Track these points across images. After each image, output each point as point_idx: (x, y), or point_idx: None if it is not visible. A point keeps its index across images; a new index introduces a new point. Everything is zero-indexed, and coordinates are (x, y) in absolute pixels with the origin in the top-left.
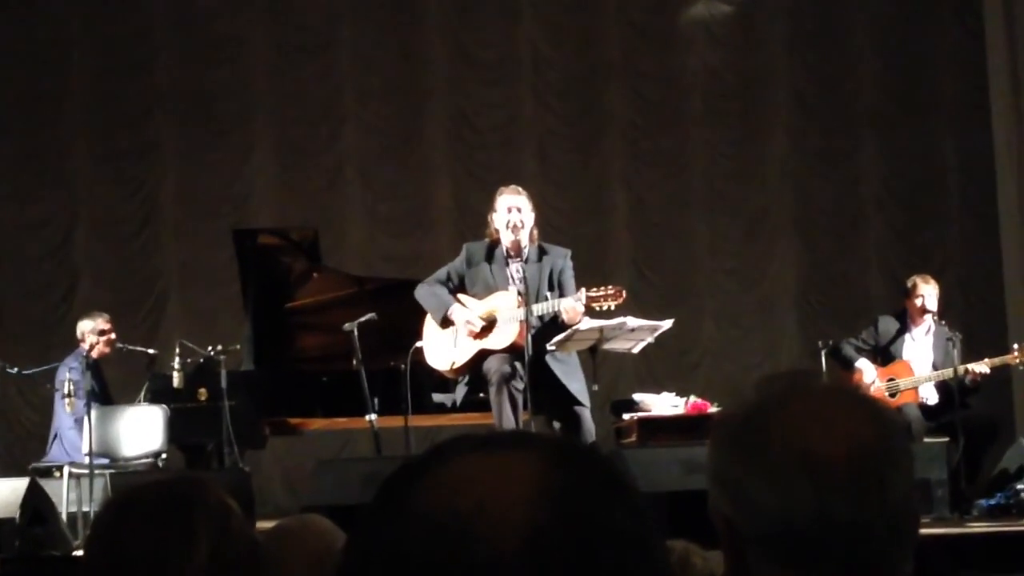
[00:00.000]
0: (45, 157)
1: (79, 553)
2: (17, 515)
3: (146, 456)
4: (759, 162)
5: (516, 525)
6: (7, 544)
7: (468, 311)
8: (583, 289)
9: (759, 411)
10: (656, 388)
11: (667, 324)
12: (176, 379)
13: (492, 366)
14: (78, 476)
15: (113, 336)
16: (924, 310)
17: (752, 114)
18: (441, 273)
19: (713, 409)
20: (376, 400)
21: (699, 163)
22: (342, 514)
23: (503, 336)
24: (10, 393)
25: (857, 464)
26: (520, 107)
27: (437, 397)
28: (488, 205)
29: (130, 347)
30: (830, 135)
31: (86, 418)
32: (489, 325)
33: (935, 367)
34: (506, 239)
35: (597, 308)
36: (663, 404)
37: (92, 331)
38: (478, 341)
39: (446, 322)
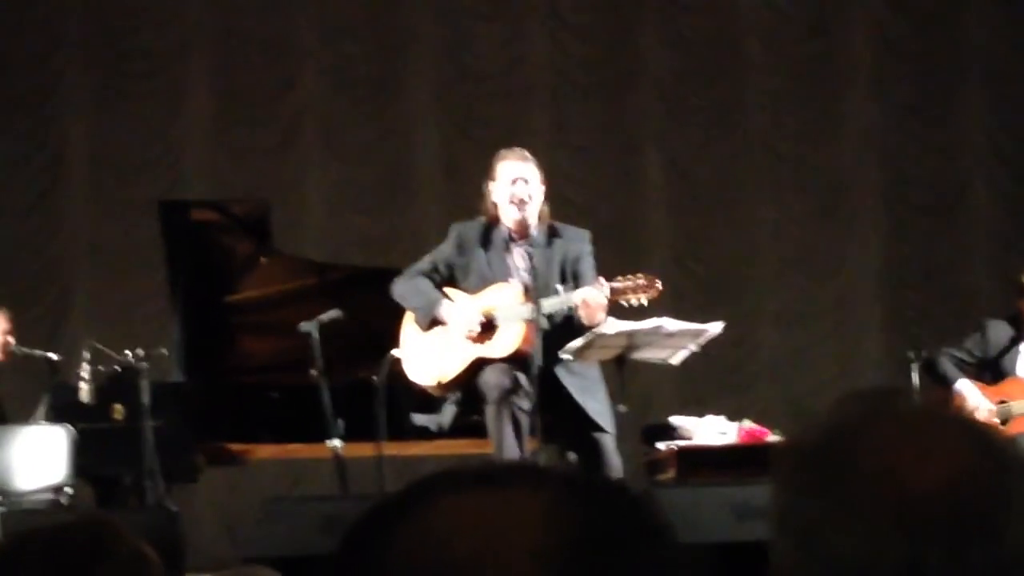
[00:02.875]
0: None
1: None
2: None
3: (45, 490)
4: (834, 122)
5: None
6: None
7: (463, 308)
8: (601, 279)
9: (836, 439)
10: (700, 410)
11: (715, 328)
12: (84, 392)
13: (490, 380)
14: None
15: (11, 340)
16: None
17: (826, 60)
18: (424, 262)
19: (773, 438)
20: (341, 422)
21: (757, 122)
22: (295, 568)
23: (504, 341)
24: None
25: (960, 504)
26: (528, 47)
27: (419, 419)
28: (485, 174)
29: (26, 350)
30: (925, 88)
31: None
32: (487, 326)
33: None
34: (508, 217)
35: (624, 304)
36: (709, 431)
37: None
38: (474, 347)
39: (433, 324)
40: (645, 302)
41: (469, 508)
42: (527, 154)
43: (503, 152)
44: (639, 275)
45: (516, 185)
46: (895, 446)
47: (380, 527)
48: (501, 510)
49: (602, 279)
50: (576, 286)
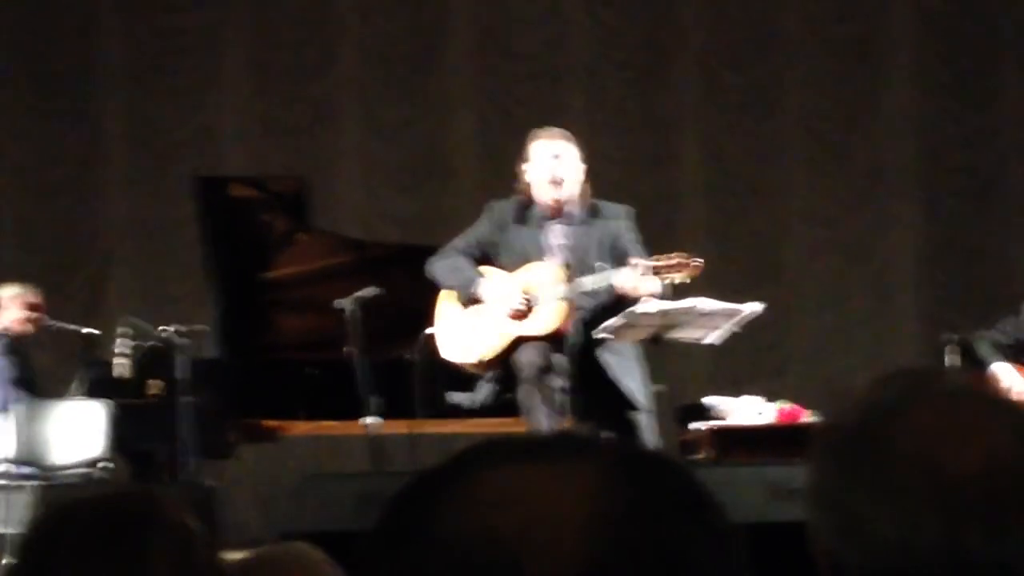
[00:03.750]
0: None
1: None
2: None
3: (82, 465)
4: (873, 102)
5: (568, 556)
6: None
7: (502, 285)
8: (636, 258)
9: (874, 419)
10: (735, 390)
11: (752, 308)
12: (122, 368)
13: (524, 358)
14: None
15: (43, 316)
16: None
17: (865, 40)
18: (460, 240)
19: (809, 418)
20: (376, 400)
21: (795, 102)
22: (329, 543)
23: (543, 319)
24: None
25: (998, 486)
26: (566, 25)
27: (453, 397)
28: (522, 152)
29: (62, 325)
30: (966, 68)
31: (7, 415)
32: (526, 305)
33: None
34: (545, 195)
35: (663, 282)
36: (744, 411)
37: (15, 300)
38: (513, 326)
39: (471, 303)
40: (688, 280)
41: (516, 480)
42: (562, 131)
43: (537, 131)
44: (679, 254)
45: (551, 163)
46: (933, 428)
47: (424, 498)
48: (548, 482)
49: (637, 259)
50: (618, 263)
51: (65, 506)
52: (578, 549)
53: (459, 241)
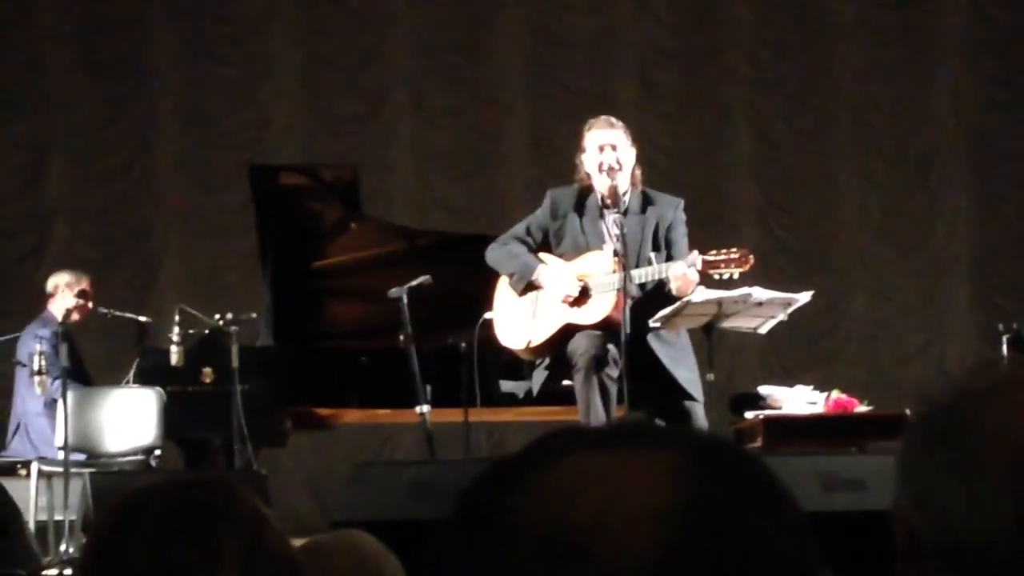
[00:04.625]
0: (9, 70)
1: (51, 573)
2: None
3: (135, 452)
4: (925, 91)
5: (643, 544)
6: None
7: (559, 272)
8: (696, 252)
9: (966, 399)
10: (787, 379)
11: (804, 298)
12: (174, 355)
13: (579, 346)
14: (49, 476)
15: (91, 305)
16: None
17: (917, 28)
18: (519, 228)
19: (861, 408)
20: (429, 388)
21: (846, 91)
22: (382, 531)
23: (596, 308)
24: None
25: None
26: (617, 14)
27: (506, 385)
28: (574, 140)
29: (116, 313)
30: (1016, 58)
31: (61, 402)
32: (582, 292)
33: None
34: (600, 185)
35: (716, 276)
36: (797, 400)
37: (70, 287)
38: (564, 313)
39: (529, 289)
40: (736, 276)
41: (591, 468)
42: (614, 121)
43: (591, 121)
44: (733, 249)
45: (604, 152)
46: (1019, 411)
47: (499, 486)
48: (623, 470)
49: (696, 252)
50: (668, 254)
51: (137, 494)
52: (652, 538)
53: (518, 228)
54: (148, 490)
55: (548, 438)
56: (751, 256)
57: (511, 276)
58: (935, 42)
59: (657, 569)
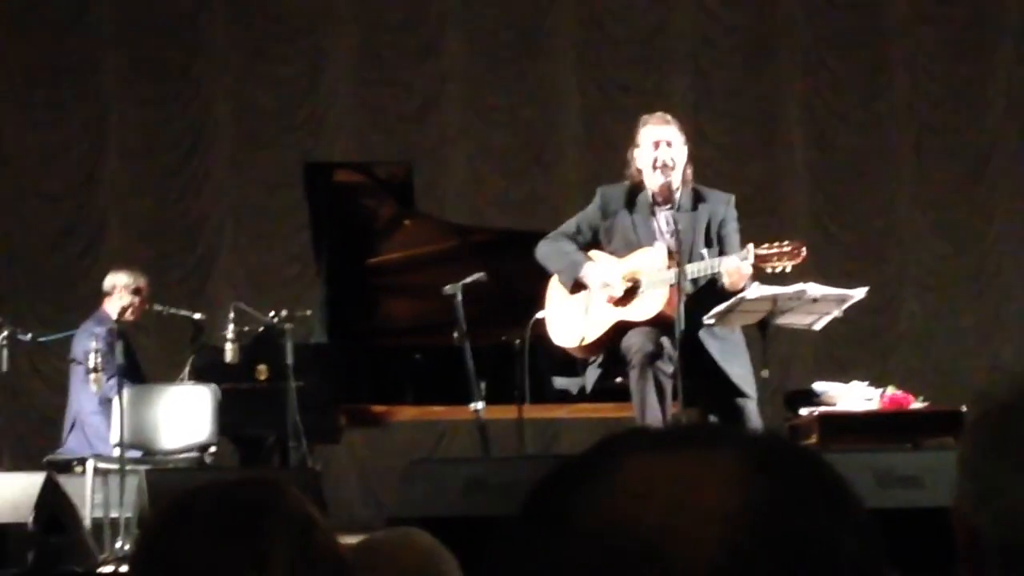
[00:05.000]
0: (65, 69)
1: (107, 570)
2: (30, 520)
3: (190, 449)
4: (979, 85)
5: (710, 546)
6: (17, 557)
7: (606, 270)
8: (750, 246)
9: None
10: (841, 376)
11: (859, 294)
12: (229, 352)
13: (633, 343)
14: (105, 472)
15: (146, 304)
16: None
17: (973, 21)
18: (569, 225)
19: (917, 405)
20: (483, 384)
21: (902, 86)
22: (437, 528)
23: (647, 305)
24: (21, 366)
25: None
26: (670, 9)
27: (560, 382)
28: (629, 137)
29: (171, 311)
30: None
31: (116, 400)
32: (631, 290)
33: None
34: (652, 182)
35: (768, 270)
36: (852, 397)
37: (127, 287)
38: (616, 310)
39: (577, 286)
40: (788, 269)
41: (657, 469)
42: (669, 118)
43: (645, 117)
44: (784, 242)
45: (659, 149)
46: None
47: (566, 486)
48: (691, 472)
49: (749, 246)
50: (721, 250)
51: (186, 494)
52: (720, 539)
53: (568, 225)
54: (197, 490)
55: (612, 439)
56: (803, 249)
57: (559, 273)
58: (991, 37)
59: (726, 571)
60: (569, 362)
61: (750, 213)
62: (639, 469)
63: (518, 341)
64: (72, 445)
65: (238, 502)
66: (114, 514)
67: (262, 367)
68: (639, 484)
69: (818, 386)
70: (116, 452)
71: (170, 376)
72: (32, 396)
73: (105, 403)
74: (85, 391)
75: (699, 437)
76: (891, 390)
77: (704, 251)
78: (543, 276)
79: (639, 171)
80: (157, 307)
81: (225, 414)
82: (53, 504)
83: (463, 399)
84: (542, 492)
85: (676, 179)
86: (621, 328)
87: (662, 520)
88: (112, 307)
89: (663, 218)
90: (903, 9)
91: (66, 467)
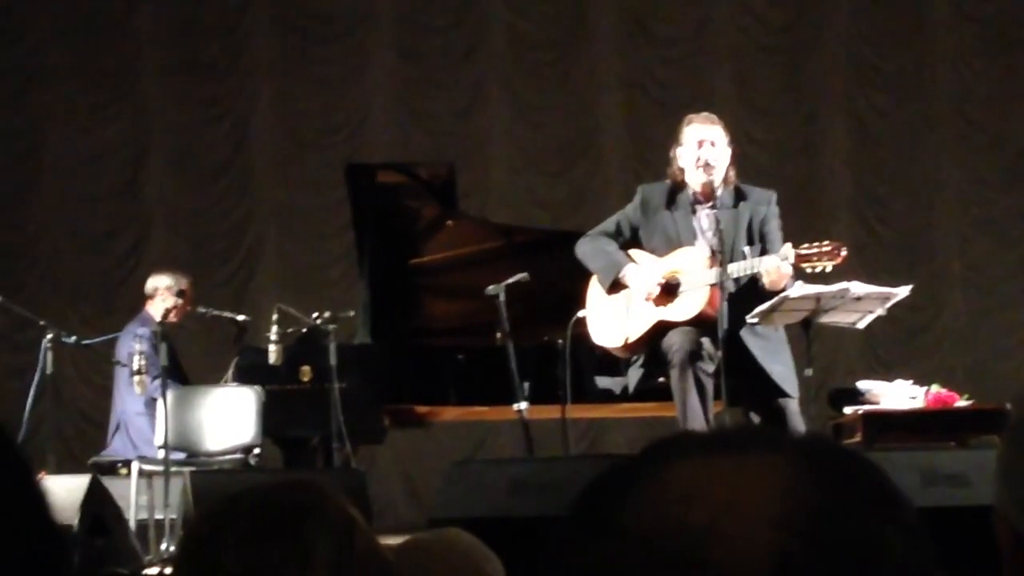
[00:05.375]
0: (108, 71)
1: (152, 572)
2: (75, 522)
3: (234, 451)
4: (1022, 80)
5: (759, 550)
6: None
7: (645, 270)
8: (788, 245)
9: None
10: (885, 374)
11: (903, 292)
12: (273, 354)
13: (674, 342)
14: (149, 474)
15: (188, 306)
16: None
17: (1015, 18)
18: (609, 223)
19: (962, 403)
20: (526, 385)
21: (945, 83)
22: (481, 529)
23: (688, 304)
24: (65, 369)
25: None
26: (712, 9)
27: (603, 382)
28: (670, 136)
29: (214, 312)
30: None
31: (160, 402)
32: (671, 289)
33: None
34: (695, 181)
35: (809, 270)
36: (897, 395)
37: (169, 289)
38: (657, 310)
39: (616, 286)
40: (829, 269)
41: (706, 473)
42: (713, 117)
43: (690, 116)
44: (825, 242)
45: (702, 148)
46: None
47: (615, 490)
48: (738, 476)
49: (788, 245)
50: (762, 248)
51: (228, 498)
52: (768, 543)
53: (608, 224)
54: (239, 493)
55: (660, 443)
56: (844, 249)
57: (598, 272)
58: None
59: (774, 574)
60: (611, 361)
61: (792, 211)
62: (687, 472)
63: (560, 341)
64: (117, 447)
65: (280, 505)
66: (159, 516)
67: (306, 368)
68: (687, 487)
69: (862, 385)
70: (160, 454)
71: (214, 378)
72: (76, 399)
73: (150, 404)
74: (129, 393)
75: (746, 441)
76: (935, 388)
77: (746, 249)
78: (585, 276)
79: (681, 170)
80: (201, 309)
81: (269, 416)
82: (98, 506)
83: (506, 399)
84: (591, 495)
85: (718, 178)
86: (662, 328)
87: (709, 523)
88: (155, 309)
89: (704, 216)
90: (945, 6)
91: (111, 469)
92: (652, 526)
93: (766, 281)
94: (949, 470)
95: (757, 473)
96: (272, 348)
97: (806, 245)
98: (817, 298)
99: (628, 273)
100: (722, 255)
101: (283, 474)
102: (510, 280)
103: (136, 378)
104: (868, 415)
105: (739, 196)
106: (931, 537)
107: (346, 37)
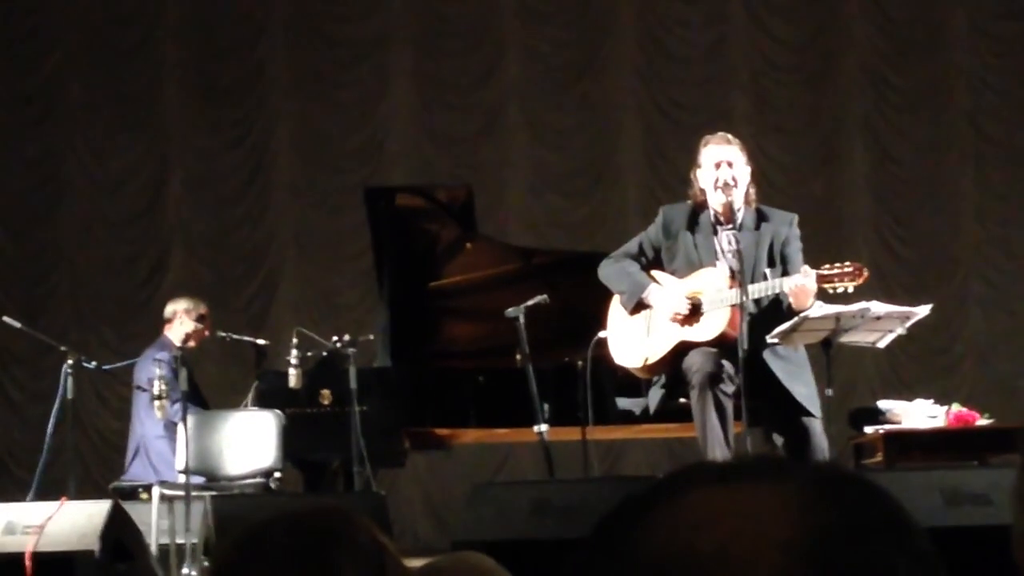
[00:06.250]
0: (128, 97)
1: None
2: (96, 548)
3: (255, 475)
4: None
5: (766, 574)
6: None
7: (669, 291)
8: (806, 268)
9: None
10: (906, 393)
11: (923, 311)
12: (292, 378)
13: (694, 363)
14: (171, 499)
15: (207, 332)
16: None
17: None
18: (631, 245)
19: (982, 422)
20: (547, 406)
21: (963, 101)
22: (503, 552)
23: (709, 325)
24: (86, 393)
25: None
26: (730, 28)
27: (623, 403)
28: (689, 156)
29: (234, 336)
30: None
31: (181, 426)
32: (692, 310)
33: None
34: (715, 201)
35: (831, 290)
36: (917, 414)
37: (188, 313)
38: (678, 330)
39: (639, 307)
40: (851, 289)
41: (718, 499)
42: (731, 137)
43: (707, 137)
44: (847, 263)
45: (720, 169)
46: None
47: (630, 518)
48: (748, 503)
49: (805, 267)
50: (784, 270)
51: (257, 525)
52: (777, 567)
53: (630, 245)
54: (268, 520)
55: (677, 473)
56: (865, 270)
57: (622, 294)
58: None
59: None
60: (632, 382)
61: (812, 230)
62: (699, 500)
63: (580, 362)
64: (136, 471)
65: (309, 532)
66: (180, 540)
67: (325, 392)
68: (699, 514)
69: (883, 404)
70: (181, 478)
71: (234, 402)
72: (97, 423)
73: (169, 428)
74: (150, 417)
75: (762, 469)
76: (956, 407)
77: (767, 271)
78: (605, 296)
79: (701, 191)
80: (220, 333)
81: (289, 439)
82: (120, 531)
83: (527, 421)
84: (608, 522)
85: (738, 199)
86: (683, 348)
87: (719, 548)
88: (174, 334)
89: (725, 238)
90: (963, 24)
91: (131, 494)
92: (663, 552)
93: (792, 302)
94: (971, 489)
95: (767, 499)
96: (292, 372)
97: (827, 266)
98: (837, 318)
99: (652, 294)
100: (742, 275)
101: (308, 499)
102: (529, 302)
103: (157, 403)
104: (889, 434)
105: (761, 218)
106: (950, 560)
107: (364, 61)
